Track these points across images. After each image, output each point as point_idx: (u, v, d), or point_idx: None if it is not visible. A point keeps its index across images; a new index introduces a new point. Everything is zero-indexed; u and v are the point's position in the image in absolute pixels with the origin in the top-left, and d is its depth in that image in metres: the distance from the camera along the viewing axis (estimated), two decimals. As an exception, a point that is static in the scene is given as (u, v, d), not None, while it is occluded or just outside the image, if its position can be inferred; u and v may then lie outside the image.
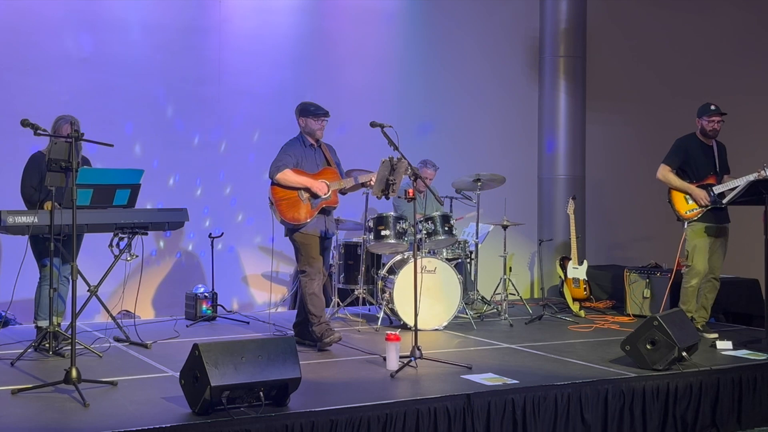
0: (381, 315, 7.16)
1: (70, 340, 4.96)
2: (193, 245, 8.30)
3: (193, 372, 4.30)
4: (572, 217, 8.40)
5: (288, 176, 6.08)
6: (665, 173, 6.94)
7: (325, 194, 6.10)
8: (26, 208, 5.89)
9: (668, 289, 7.48)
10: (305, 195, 6.09)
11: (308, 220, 6.11)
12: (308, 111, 6.22)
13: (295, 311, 8.26)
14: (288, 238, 6.30)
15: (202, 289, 7.53)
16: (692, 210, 6.86)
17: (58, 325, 5.94)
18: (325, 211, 6.24)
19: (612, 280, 8.84)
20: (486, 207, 8.00)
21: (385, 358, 5.52)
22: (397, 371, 5.32)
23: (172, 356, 5.66)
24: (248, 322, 7.40)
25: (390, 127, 5.84)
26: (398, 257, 7.27)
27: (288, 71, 8.71)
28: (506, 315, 7.53)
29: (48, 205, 5.66)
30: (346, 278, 7.59)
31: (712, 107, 6.83)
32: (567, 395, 5.01)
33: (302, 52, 8.79)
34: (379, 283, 7.23)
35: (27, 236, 5.78)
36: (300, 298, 6.36)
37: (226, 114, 8.42)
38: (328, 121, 6.30)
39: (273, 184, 6.14)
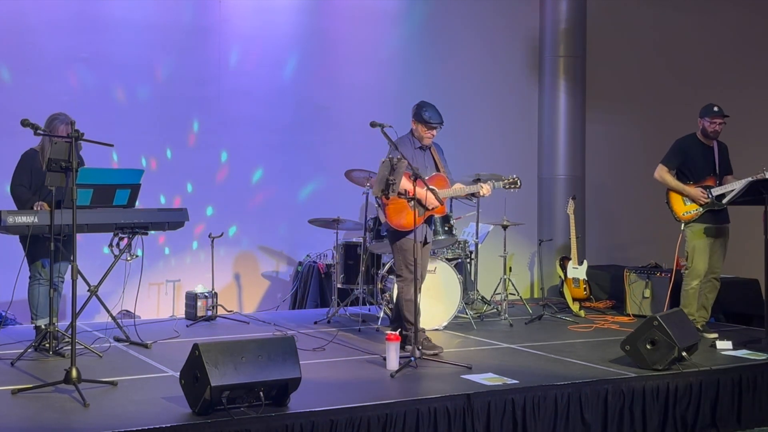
0: (381, 315, 7.16)
1: (70, 340, 4.96)
2: (192, 245, 8.29)
3: (193, 372, 4.30)
4: (572, 217, 8.39)
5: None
6: (662, 174, 6.93)
7: (432, 206, 5.91)
8: (15, 206, 5.87)
9: (669, 289, 7.46)
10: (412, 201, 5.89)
11: (414, 227, 5.86)
12: (422, 117, 6.05)
13: (295, 310, 8.33)
14: (387, 239, 6.19)
15: (202, 289, 7.52)
16: (690, 212, 6.86)
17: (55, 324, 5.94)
18: (427, 219, 6.11)
19: (612, 280, 8.83)
20: (486, 207, 8.00)
21: (385, 358, 5.53)
22: (397, 371, 5.32)
23: (172, 356, 5.65)
24: (248, 322, 7.40)
25: (390, 127, 5.84)
26: (398, 257, 7.25)
27: (288, 71, 8.71)
28: (506, 315, 7.53)
29: (44, 206, 5.66)
30: (346, 278, 7.57)
31: (715, 109, 6.80)
32: (567, 395, 5.01)
33: (302, 52, 8.79)
34: (379, 283, 7.22)
35: (22, 236, 5.77)
36: (396, 302, 6.21)
37: (226, 114, 8.41)
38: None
39: None
